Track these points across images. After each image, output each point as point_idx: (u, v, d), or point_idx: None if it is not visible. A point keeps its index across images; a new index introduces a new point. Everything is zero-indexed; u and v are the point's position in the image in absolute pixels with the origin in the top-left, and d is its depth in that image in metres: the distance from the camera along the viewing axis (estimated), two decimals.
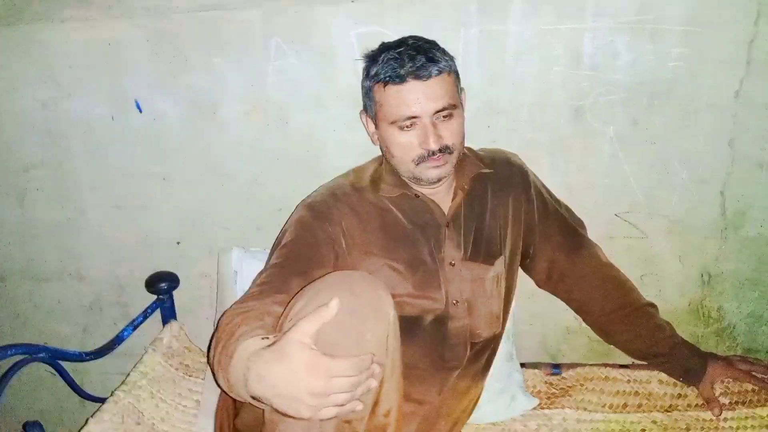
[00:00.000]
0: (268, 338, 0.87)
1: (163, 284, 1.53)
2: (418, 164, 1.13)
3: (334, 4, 1.36)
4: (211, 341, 1.07)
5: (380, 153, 1.28)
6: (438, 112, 1.10)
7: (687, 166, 1.42)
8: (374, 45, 1.23)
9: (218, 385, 0.98)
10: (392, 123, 1.12)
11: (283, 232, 1.24)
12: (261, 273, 1.18)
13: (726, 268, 1.50)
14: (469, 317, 1.20)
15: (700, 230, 1.48)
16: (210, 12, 1.40)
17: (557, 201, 1.34)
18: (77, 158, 1.58)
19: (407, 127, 1.11)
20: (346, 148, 1.47)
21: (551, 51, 1.35)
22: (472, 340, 1.21)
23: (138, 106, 1.49)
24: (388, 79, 1.10)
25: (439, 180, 1.16)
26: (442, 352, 1.19)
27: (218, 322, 1.06)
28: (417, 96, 1.09)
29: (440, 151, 1.11)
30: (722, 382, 1.32)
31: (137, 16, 1.42)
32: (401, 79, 1.09)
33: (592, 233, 1.36)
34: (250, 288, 1.16)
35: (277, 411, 0.81)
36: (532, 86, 1.38)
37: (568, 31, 1.33)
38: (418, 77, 1.08)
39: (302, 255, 1.16)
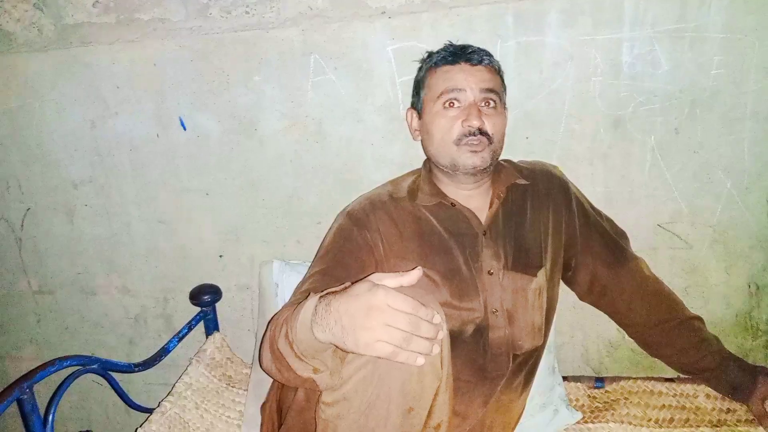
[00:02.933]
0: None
1: (206, 296, 1.56)
2: (458, 145, 1.16)
3: (371, 20, 1.39)
4: (260, 348, 1.08)
5: (416, 167, 1.29)
6: (483, 92, 1.15)
7: (731, 175, 1.39)
8: (411, 59, 1.25)
9: (276, 376, 1.00)
10: (438, 98, 1.17)
11: (324, 241, 1.26)
12: (304, 279, 1.20)
13: None
14: (509, 327, 1.19)
15: (746, 240, 1.44)
16: (250, 31, 1.44)
17: (598, 213, 1.32)
18: (123, 175, 1.63)
19: (451, 104, 1.16)
20: (383, 161, 1.49)
21: (589, 61, 1.35)
22: (513, 351, 1.20)
23: (182, 124, 1.54)
24: (441, 60, 1.19)
25: (475, 171, 1.17)
26: (484, 363, 1.19)
27: (267, 327, 1.08)
28: (465, 75, 1.16)
29: (481, 133, 1.14)
30: None
31: (180, 36, 1.47)
32: (453, 61, 1.18)
33: (635, 244, 1.34)
34: (294, 293, 1.19)
35: (354, 352, 0.81)
36: (570, 97, 1.38)
37: (606, 40, 1.33)
38: (468, 60, 1.17)
39: (343, 262, 1.19)
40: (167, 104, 1.53)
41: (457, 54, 1.18)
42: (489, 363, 1.19)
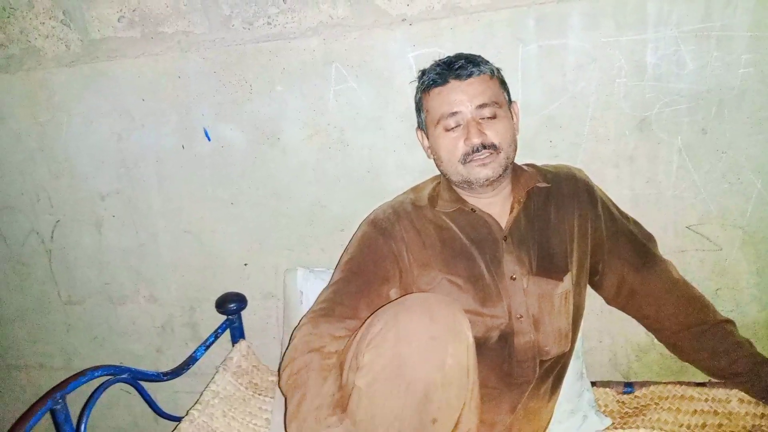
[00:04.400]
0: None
1: (232, 305, 1.57)
2: (465, 163, 1.16)
3: (391, 28, 1.39)
4: (281, 361, 1.11)
5: (437, 173, 1.29)
6: (479, 108, 1.14)
7: (761, 175, 1.37)
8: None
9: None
10: (438, 124, 1.17)
11: (347, 248, 1.27)
12: (328, 286, 1.21)
13: None
14: (535, 333, 1.18)
15: None
16: (272, 42, 1.45)
17: (625, 216, 1.31)
18: (150, 186, 1.65)
19: (452, 126, 1.16)
20: (405, 167, 1.49)
21: (613, 63, 1.33)
22: (540, 357, 1.19)
23: (207, 135, 1.56)
24: (432, 83, 1.18)
25: (489, 182, 1.17)
26: (510, 370, 1.18)
27: (292, 339, 1.10)
28: (457, 94, 1.15)
29: (485, 147, 1.13)
30: None
31: (204, 49, 1.49)
32: (443, 81, 1.16)
33: (663, 247, 1.32)
34: (318, 301, 1.20)
35: None
36: (595, 99, 1.37)
37: (630, 42, 1.31)
38: (458, 77, 1.15)
39: (367, 270, 1.20)
40: (192, 116, 1.56)
41: (445, 73, 1.16)
42: (515, 369, 1.18)
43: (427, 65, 1.30)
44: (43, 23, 1.55)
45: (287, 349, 1.13)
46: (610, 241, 1.26)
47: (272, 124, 1.52)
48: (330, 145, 1.51)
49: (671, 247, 1.40)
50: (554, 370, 1.24)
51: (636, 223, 1.32)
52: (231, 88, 1.51)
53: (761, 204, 1.39)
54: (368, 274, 1.19)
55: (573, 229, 1.23)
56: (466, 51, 1.25)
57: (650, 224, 1.33)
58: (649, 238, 1.32)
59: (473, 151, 1.14)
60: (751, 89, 1.31)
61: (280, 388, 1.12)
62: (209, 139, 1.56)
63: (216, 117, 1.54)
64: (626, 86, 1.34)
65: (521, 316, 1.17)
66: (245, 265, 1.68)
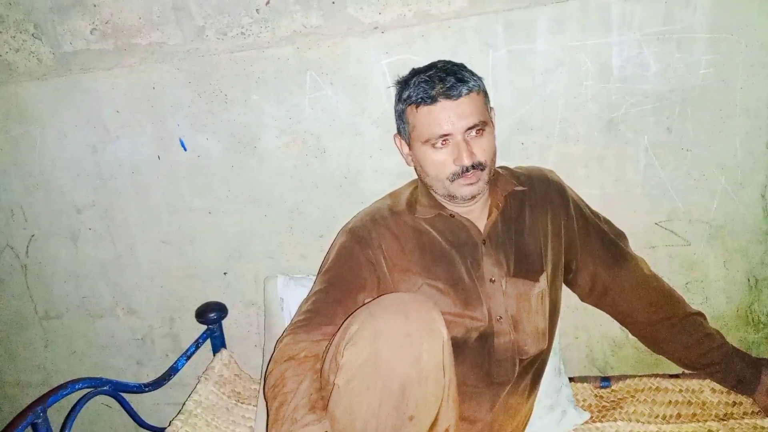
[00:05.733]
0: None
1: (212, 314, 1.57)
2: (452, 181, 1.16)
3: (364, 36, 1.41)
4: (265, 372, 1.13)
5: (415, 176, 1.31)
6: (469, 129, 1.14)
7: (725, 171, 1.42)
8: (405, 72, 1.27)
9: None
10: (426, 142, 1.16)
11: (326, 258, 1.29)
12: (307, 298, 1.23)
13: None
14: (514, 333, 1.21)
15: (743, 234, 1.46)
16: (246, 51, 1.46)
17: (596, 214, 1.34)
18: (126, 198, 1.65)
19: (441, 145, 1.15)
20: (382, 172, 1.51)
21: (580, 66, 1.37)
22: (519, 356, 1.22)
23: (183, 145, 1.56)
24: (420, 100, 1.15)
25: (473, 197, 1.19)
26: (489, 369, 1.20)
27: (275, 350, 1.11)
28: (448, 115, 1.13)
29: (473, 167, 1.14)
30: None
31: (178, 59, 1.50)
32: (432, 100, 1.13)
33: (633, 244, 1.36)
34: (298, 313, 1.22)
35: None
36: (563, 102, 1.40)
37: (595, 45, 1.36)
38: (448, 97, 1.13)
39: (345, 280, 1.21)
40: (167, 126, 1.56)
41: (434, 91, 1.13)
42: (494, 368, 1.20)
43: (400, 72, 1.33)
44: (14, 36, 1.54)
45: (269, 361, 1.15)
46: (583, 239, 1.30)
47: (249, 132, 1.53)
48: (307, 151, 1.53)
49: (641, 243, 1.44)
50: (533, 368, 1.26)
51: (607, 221, 1.35)
52: (206, 97, 1.51)
53: (726, 199, 1.44)
54: (345, 283, 1.21)
55: (547, 229, 1.26)
56: (438, 58, 1.26)
57: (620, 222, 1.37)
58: (620, 235, 1.35)
59: (462, 172, 1.15)
60: (712, 88, 1.36)
61: (264, 398, 1.14)
62: (185, 149, 1.57)
63: (192, 127, 1.55)
64: (593, 88, 1.38)
65: (500, 318, 1.20)
66: (225, 274, 1.68)
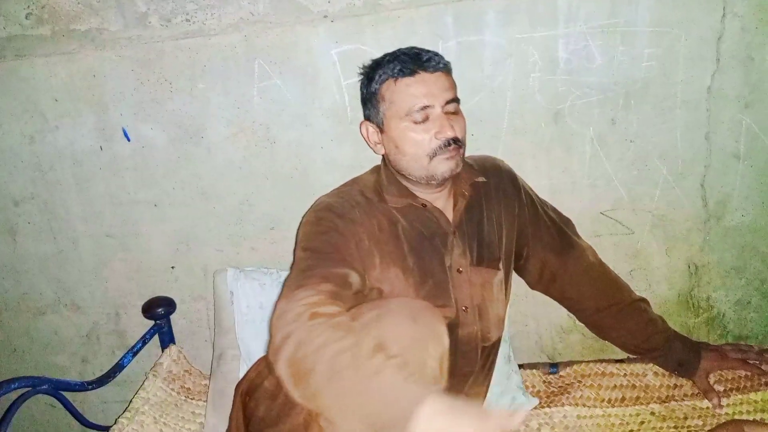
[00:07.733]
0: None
1: (159, 309, 1.54)
2: (432, 158, 1.13)
3: (314, 24, 1.39)
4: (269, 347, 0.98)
5: (366, 168, 1.30)
6: (448, 103, 1.13)
7: (666, 162, 1.46)
8: (355, 62, 1.26)
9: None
10: (406, 116, 1.13)
11: (299, 242, 1.17)
12: (289, 275, 1.11)
13: (711, 258, 1.54)
14: (479, 322, 1.21)
15: (683, 223, 1.51)
16: (192, 39, 1.42)
17: (544, 202, 1.36)
18: (67, 190, 1.59)
19: (421, 119, 1.13)
20: (333, 163, 1.50)
21: (527, 58, 1.39)
22: (483, 343, 1.23)
23: (126, 135, 1.51)
24: (398, 73, 1.13)
25: (450, 176, 1.16)
26: (455, 360, 1.18)
27: (273, 320, 0.99)
28: (428, 86, 1.12)
29: (454, 142, 1.13)
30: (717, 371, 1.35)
31: (120, 46, 1.44)
32: (412, 72, 1.12)
33: (580, 232, 1.39)
34: (285, 287, 1.07)
35: None
36: (512, 94, 1.42)
37: (543, 38, 1.37)
38: (426, 69, 1.13)
39: (330, 248, 1.12)
40: (109, 116, 1.50)
41: (415, 65, 1.12)
42: (459, 359, 1.20)
43: (350, 62, 1.31)
44: None
45: (274, 334, 0.98)
46: (533, 226, 1.31)
47: (195, 122, 1.49)
48: (256, 142, 1.50)
49: (587, 232, 1.47)
50: (490, 356, 1.28)
51: (554, 209, 1.37)
52: (150, 86, 1.47)
53: (667, 189, 1.48)
54: (335, 253, 1.11)
55: (501, 217, 1.27)
56: (388, 49, 1.23)
57: (567, 211, 1.39)
58: (568, 222, 1.38)
59: (444, 146, 1.13)
60: (654, 81, 1.40)
61: (278, 376, 0.95)
62: (129, 140, 1.51)
63: (135, 116, 1.50)
64: (540, 80, 1.40)
65: (466, 308, 1.20)
66: (172, 267, 1.64)
